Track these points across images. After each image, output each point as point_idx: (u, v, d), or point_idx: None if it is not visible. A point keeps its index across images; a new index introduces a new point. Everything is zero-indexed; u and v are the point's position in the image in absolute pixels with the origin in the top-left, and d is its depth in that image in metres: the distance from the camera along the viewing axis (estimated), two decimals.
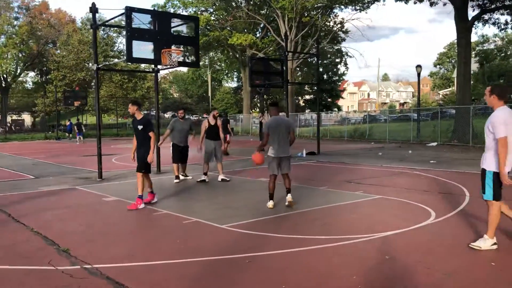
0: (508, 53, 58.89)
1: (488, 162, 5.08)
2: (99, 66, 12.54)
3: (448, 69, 74.39)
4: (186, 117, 11.70)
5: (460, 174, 11.57)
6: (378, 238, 5.68)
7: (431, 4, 25.14)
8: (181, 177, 11.25)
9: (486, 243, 5.10)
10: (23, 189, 10.21)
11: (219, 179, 10.95)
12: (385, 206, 7.71)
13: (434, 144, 21.57)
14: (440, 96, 74.07)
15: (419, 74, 27.36)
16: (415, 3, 25.54)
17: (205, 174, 10.92)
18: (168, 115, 70.19)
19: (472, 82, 29.91)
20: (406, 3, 25.75)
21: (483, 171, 5.15)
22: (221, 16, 39.79)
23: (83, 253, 5.26)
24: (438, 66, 76.44)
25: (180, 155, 11.03)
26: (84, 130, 33.33)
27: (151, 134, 7.85)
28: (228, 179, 10.96)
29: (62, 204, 8.54)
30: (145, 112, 63.92)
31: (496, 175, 4.99)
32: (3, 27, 52.49)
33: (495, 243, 5.11)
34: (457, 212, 7.02)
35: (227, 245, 5.53)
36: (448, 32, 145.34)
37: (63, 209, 8.06)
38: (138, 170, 7.89)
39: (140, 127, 7.82)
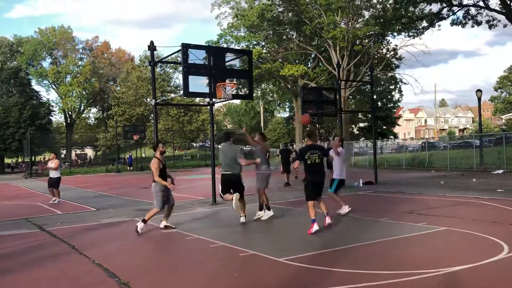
0: None
1: None
2: (157, 101, 13.00)
3: (510, 92, 70.96)
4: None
5: None
6: (445, 274, 5.33)
7: (490, 27, 24.33)
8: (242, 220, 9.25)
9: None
10: (85, 221, 10.59)
11: (162, 225, 9.00)
12: (451, 239, 7.28)
13: (500, 171, 20.39)
14: (503, 120, 70.61)
15: (479, 99, 26.31)
16: (472, 26, 24.86)
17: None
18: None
19: None
20: (463, 27, 25.09)
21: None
22: (273, 49, 40.32)
23: (143, 286, 5.31)
24: (499, 90, 73.10)
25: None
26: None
27: None
28: (173, 226, 9.03)
29: (122, 236, 8.75)
30: (200, 144, 65.41)
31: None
32: (69, 67, 56.25)
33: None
34: None
35: (286, 280, 5.39)
36: (510, 54, 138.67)
37: (123, 241, 8.26)
38: None
39: None
